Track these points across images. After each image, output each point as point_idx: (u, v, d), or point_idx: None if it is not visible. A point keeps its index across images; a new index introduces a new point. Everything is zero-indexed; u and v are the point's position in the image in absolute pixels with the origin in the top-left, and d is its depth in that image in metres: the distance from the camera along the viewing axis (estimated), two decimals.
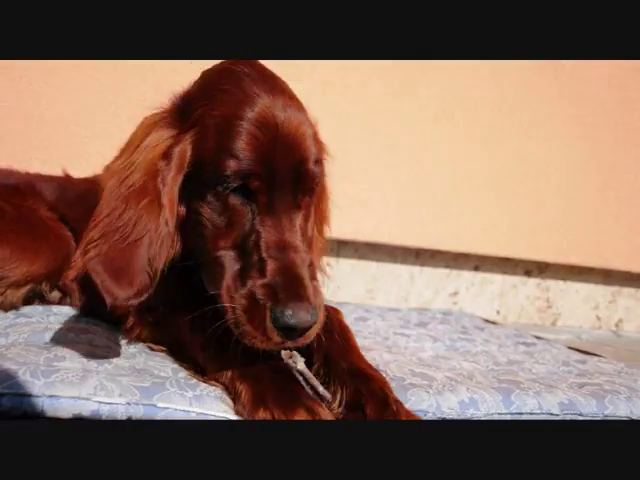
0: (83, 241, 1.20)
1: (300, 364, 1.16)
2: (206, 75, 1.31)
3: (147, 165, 1.20)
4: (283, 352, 1.17)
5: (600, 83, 3.21)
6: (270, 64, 1.33)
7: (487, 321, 2.82)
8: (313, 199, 1.28)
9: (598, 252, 3.26)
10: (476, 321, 2.71)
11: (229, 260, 1.16)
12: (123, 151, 1.32)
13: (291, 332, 1.08)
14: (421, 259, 3.12)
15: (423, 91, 2.89)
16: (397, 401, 1.15)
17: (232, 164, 1.13)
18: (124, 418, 1.10)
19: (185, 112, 1.24)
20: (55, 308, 1.76)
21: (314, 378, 1.15)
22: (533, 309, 3.36)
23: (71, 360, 1.25)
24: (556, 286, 3.40)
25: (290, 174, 1.16)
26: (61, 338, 1.44)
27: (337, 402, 1.15)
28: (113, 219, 1.19)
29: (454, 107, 2.96)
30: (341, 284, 2.97)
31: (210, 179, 1.17)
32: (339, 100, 2.75)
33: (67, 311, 1.75)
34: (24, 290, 1.70)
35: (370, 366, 1.27)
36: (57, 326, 1.52)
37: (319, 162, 1.24)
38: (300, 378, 1.15)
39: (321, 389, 1.14)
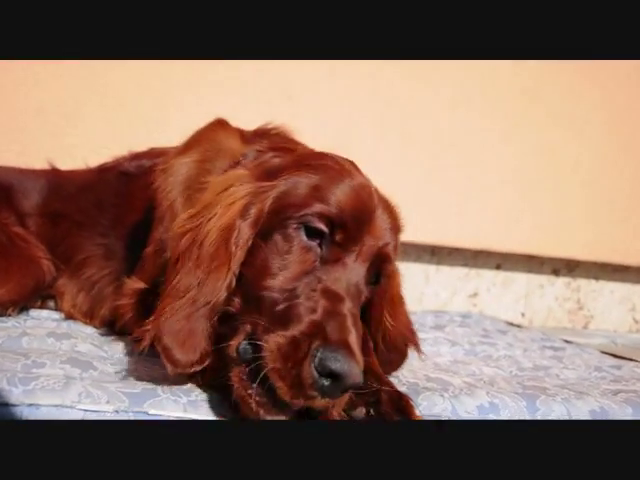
0: (159, 306, 1.24)
1: None
2: (299, 154, 1.41)
3: (222, 226, 1.24)
4: None
5: (633, 71, 3.21)
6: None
7: (511, 324, 2.82)
8: (381, 285, 1.35)
9: (633, 248, 3.26)
10: (498, 324, 2.71)
11: (273, 299, 1.17)
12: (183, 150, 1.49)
13: (332, 383, 1.04)
14: (437, 257, 3.12)
15: (438, 78, 2.90)
16: (410, 400, 1.22)
17: (320, 207, 1.21)
18: None
19: (272, 173, 1.31)
20: (33, 312, 1.78)
21: None
22: (562, 311, 3.36)
23: (52, 366, 1.26)
24: (588, 286, 3.40)
25: (372, 247, 1.24)
26: (40, 343, 1.45)
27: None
28: (184, 284, 1.22)
29: (472, 95, 2.97)
30: None
31: (284, 220, 1.22)
32: (348, 88, 2.77)
33: (46, 315, 1.77)
34: None
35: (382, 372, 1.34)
36: (35, 331, 1.53)
37: (396, 254, 1.34)
38: None
39: None
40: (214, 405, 1.18)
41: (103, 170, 1.93)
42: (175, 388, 1.20)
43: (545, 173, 3.11)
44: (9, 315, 1.68)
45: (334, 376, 1.03)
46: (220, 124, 1.63)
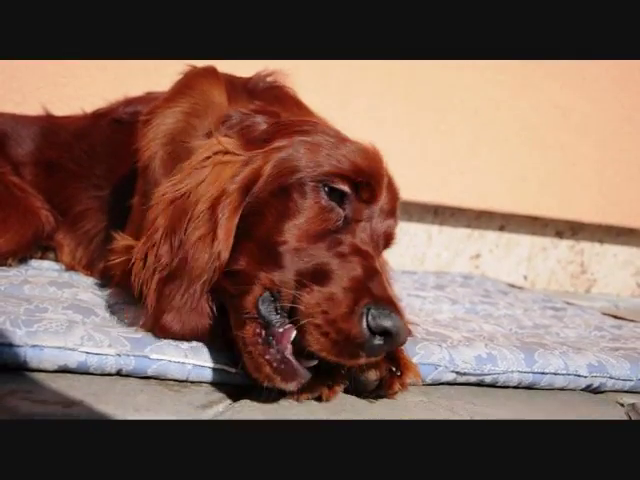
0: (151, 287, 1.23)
1: None
2: (287, 119, 1.37)
3: (213, 195, 1.22)
4: None
5: None
6: None
7: (513, 286, 2.86)
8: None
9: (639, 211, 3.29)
10: (500, 285, 2.76)
11: (294, 255, 1.13)
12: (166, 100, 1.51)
13: (385, 341, 1.02)
14: (440, 217, 3.15)
15: None
16: None
17: (338, 167, 1.21)
18: (114, 371, 1.16)
19: (261, 139, 1.29)
20: (35, 262, 1.81)
21: None
22: (565, 274, 3.40)
23: (54, 311, 1.30)
24: (591, 249, 3.43)
25: (387, 207, 1.26)
26: (42, 291, 1.49)
27: None
28: (173, 259, 1.21)
29: None
30: None
31: (299, 179, 1.20)
32: None
33: (47, 265, 1.81)
34: None
35: None
36: (37, 279, 1.57)
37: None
38: None
39: None
40: (216, 352, 1.21)
41: (97, 116, 1.93)
42: None
43: (553, 131, 3.12)
44: (9, 265, 1.71)
45: (387, 334, 1.01)
46: (211, 73, 1.60)
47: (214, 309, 1.22)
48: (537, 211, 3.15)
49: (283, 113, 1.44)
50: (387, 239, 1.30)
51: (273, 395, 1.12)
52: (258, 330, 1.08)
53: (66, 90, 2.41)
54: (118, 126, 1.82)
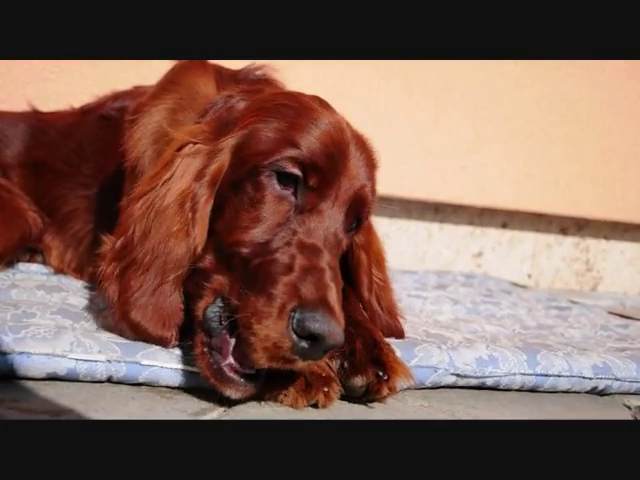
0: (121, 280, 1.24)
1: None
2: (258, 97, 1.36)
3: (178, 191, 1.24)
4: None
5: None
6: None
7: (516, 285, 2.86)
8: (359, 232, 1.35)
9: None
10: (503, 284, 2.76)
11: (245, 255, 1.15)
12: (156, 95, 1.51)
13: (313, 345, 1.02)
14: (441, 215, 3.15)
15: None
16: (388, 346, 1.25)
17: (292, 152, 1.18)
18: (104, 378, 1.16)
19: (229, 123, 1.29)
20: (22, 266, 1.81)
21: None
22: (570, 272, 3.41)
23: (42, 317, 1.30)
24: (597, 246, 3.44)
25: (348, 190, 1.22)
26: (30, 295, 1.49)
27: None
28: (144, 254, 1.23)
29: None
30: None
31: (253, 169, 1.20)
32: None
33: (36, 269, 1.81)
34: None
35: (365, 317, 1.36)
36: (25, 283, 1.57)
37: (374, 196, 1.30)
38: None
39: None
40: None
41: (85, 112, 1.93)
42: None
43: (557, 124, 3.12)
44: None
45: (314, 337, 1.02)
46: (198, 65, 1.61)
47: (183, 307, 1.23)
48: (541, 207, 3.15)
49: (266, 89, 1.44)
50: (359, 206, 1.25)
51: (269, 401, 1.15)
52: (204, 339, 1.14)
53: (54, 86, 2.41)
54: (106, 122, 1.82)
